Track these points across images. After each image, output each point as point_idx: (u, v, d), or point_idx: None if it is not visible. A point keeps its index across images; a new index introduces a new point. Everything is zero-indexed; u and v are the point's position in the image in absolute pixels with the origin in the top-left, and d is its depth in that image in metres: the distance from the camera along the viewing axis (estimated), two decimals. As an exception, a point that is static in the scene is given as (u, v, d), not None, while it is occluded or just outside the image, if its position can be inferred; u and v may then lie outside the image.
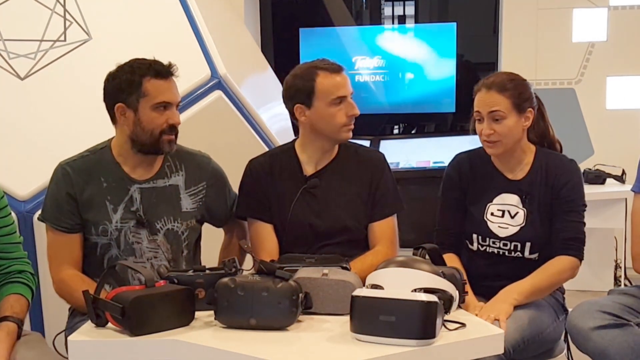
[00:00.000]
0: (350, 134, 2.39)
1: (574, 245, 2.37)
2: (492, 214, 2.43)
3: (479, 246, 2.45)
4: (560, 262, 2.36)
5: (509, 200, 2.42)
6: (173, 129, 2.25)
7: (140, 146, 2.24)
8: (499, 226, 2.41)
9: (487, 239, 2.43)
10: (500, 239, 2.41)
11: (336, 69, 2.36)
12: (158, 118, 2.21)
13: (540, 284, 2.33)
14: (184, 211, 2.33)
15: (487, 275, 2.42)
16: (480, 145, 2.46)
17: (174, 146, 2.27)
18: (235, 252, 2.43)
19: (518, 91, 2.35)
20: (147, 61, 2.24)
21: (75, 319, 2.25)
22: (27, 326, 2.25)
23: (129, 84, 2.21)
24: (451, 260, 2.40)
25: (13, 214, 2.26)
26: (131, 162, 2.29)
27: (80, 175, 2.27)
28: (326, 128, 2.37)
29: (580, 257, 2.37)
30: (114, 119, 2.27)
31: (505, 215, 2.42)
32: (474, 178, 2.48)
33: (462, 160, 2.54)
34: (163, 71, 2.22)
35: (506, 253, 2.41)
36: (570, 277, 2.38)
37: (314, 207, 2.38)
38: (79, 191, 2.26)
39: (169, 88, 2.23)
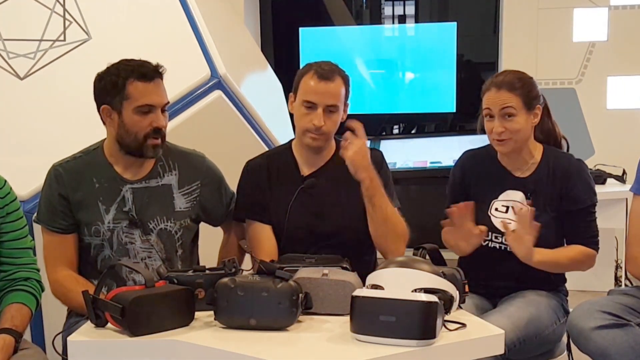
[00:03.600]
0: (315, 143, 2.33)
1: (591, 241, 2.42)
2: (496, 209, 2.45)
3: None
4: (583, 251, 2.41)
5: (514, 196, 2.44)
6: (158, 132, 2.23)
7: (126, 148, 2.24)
8: (502, 221, 2.41)
9: (490, 233, 2.43)
10: (503, 233, 2.41)
11: (324, 76, 2.29)
12: (141, 121, 2.20)
13: (559, 257, 2.37)
14: (178, 211, 2.32)
15: (490, 274, 2.42)
16: (486, 143, 2.47)
17: (159, 150, 2.25)
18: (234, 251, 2.43)
19: (527, 89, 2.38)
20: (133, 62, 2.22)
21: (71, 319, 2.25)
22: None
23: (113, 86, 2.19)
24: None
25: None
26: (122, 163, 2.29)
27: (72, 176, 2.27)
28: (296, 125, 2.36)
29: (597, 249, 2.44)
30: (102, 120, 2.27)
31: (509, 211, 2.43)
32: (479, 176, 2.50)
33: (467, 158, 2.57)
34: (148, 73, 2.20)
35: (508, 248, 2.39)
36: (589, 267, 2.44)
37: (311, 207, 2.38)
38: (71, 192, 2.26)
39: (153, 91, 2.21)
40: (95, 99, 2.26)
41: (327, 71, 2.31)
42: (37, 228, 2.36)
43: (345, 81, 2.35)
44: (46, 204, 2.29)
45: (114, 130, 2.24)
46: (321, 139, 2.33)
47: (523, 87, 2.38)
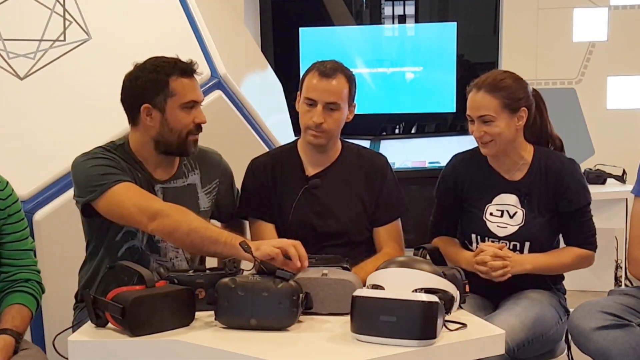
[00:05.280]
0: (316, 140, 2.33)
1: (588, 241, 2.42)
2: (491, 214, 2.43)
3: (478, 246, 2.44)
4: (577, 252, 2.40)
5: (508, 200, 2.42)
6: (199, 128, 2.22)
7: (166, 147, 2.20)
8: (497, 226, 2.41)
9: (486, 238, 2.43)
10: (499, 238, 2.41)
11: (324, 74, 2.30)
12: (185, 118, 2.18)
13: (553, 264, 2.37)
14: (202, 210, 2.31)
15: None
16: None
17: (197, 147, 2.25)
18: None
19: (509, 91, 2.34)
20: (170, 59, 2.19)
21: (81, 314, 2.23)
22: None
23: (155, 84, 2.15)
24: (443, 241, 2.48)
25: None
26: (153, 163, 2.25)
27: (114, 160, 2.17)
28: (300, 123, 2.37)
29: (595, 249, 2.43)
30: (135, 120, 2.20)
31: (504, 215, 2.42)
32: (471, 179, 2.49)
33: (459, 162, 2.55)
34: (188, 69, 2.19)
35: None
36: (587, 266, 2.43)
37: (315, 207, 2.38)
38: (126, 166, 2.18)
39: (194, 87, 2.20)
40: (129, 99, 2.19)
41: (329, 69, 2.31)
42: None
43: (350, 80, 2.35)
44: (106, 168, 2.13)
45: (154, 130, 2.17)
46: (322, 136, 2.33)
47: (504, 89, 2.33)
